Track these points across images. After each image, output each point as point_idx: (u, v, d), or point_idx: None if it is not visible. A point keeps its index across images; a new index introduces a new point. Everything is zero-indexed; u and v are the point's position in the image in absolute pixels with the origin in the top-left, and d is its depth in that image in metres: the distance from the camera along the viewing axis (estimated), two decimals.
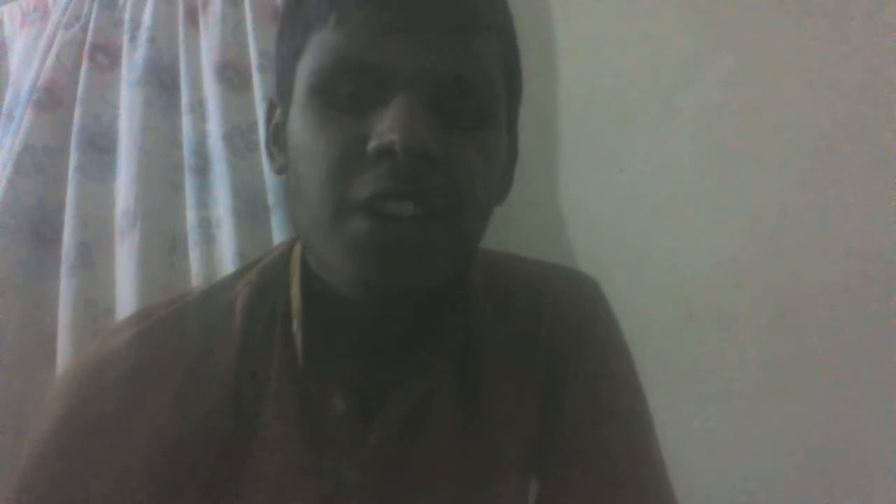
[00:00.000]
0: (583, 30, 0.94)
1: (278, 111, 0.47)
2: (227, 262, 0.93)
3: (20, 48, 1.10)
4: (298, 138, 0.42)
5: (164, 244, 0.98)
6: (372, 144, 0.38)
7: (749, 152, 0.80)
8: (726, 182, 0.82)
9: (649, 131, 0.88)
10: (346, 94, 0.40)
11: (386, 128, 0.37)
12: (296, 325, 0.46)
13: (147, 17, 1.01)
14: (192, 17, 1.01)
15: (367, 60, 0.39)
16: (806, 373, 0.77)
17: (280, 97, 0.46)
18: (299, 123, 0.42)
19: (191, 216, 0.97)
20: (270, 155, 0.50)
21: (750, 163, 0.80)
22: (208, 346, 0.47)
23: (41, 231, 1.00)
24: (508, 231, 0.99)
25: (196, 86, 0.99)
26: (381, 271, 0.39)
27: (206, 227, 0.96)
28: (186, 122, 0.99)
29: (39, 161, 1.01)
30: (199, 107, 0.99)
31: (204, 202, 0.97)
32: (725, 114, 0.82)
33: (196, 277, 0.95)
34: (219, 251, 0.96)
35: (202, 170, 0.98)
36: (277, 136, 0.47)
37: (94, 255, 0.99)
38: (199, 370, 0.46)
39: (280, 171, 0.47)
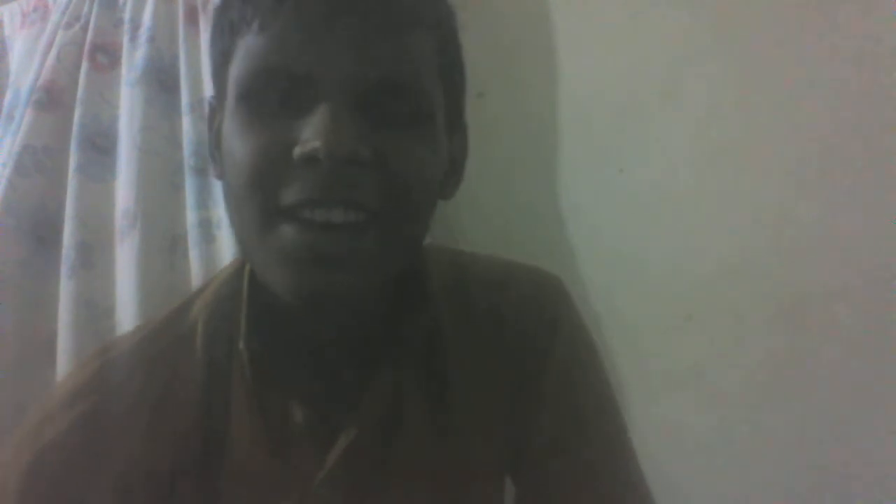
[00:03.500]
0: (582, 30, 0.94)
1: (217, 115, 0.46)
2: (226, 262, 0.93)
3: (20, 48, 1.10)
4: (228, 145, 0.41)
5: (164, 244, 0.98)
6: (296, 151, 0.37)
7: (749, 152, 0.80)
8: (726, 182, 0.82)
9: (649, 131, 0.88)
10: (272, 101, 0.39)
11: (310, 134, 0.37)
12: (242, 343, 0.45)
13: (147, 17, 1.01)
14: (192, 17, 1.01)
15: (290, 67, 0.38)
16: (806, 373, 0.77)
17: (217, 99, 0.45)
18: (229, 130, 0.41)
19: (191, 216, 0.97)
20: (213, 159, 0.48)
21: (750, 163, 0.80)
22: (173, 373, 0.47)
23: (41, 231, 1.00)
24: (508, 231, 0.99)
25: (196, 86, 0.99)
26: (311, 279, 0.38)
27: (206, 227, 0.96)
28: (186, 122, 0.98)
29: (39, 161, 1.01)
30: (199, 107, 0.99)
31: (204, 202, 0.97)
32: (726, 114, 0.82)
33: (196, 277, 0.95)
34: (219, 251, 0.96)
35: (202, 170, 0.98)
36: (218, 139, 0.46)
37: (94, 256, 0.99)
38: (167, 399, 0.46)
39: (220, 176, 0.46)
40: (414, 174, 0.41)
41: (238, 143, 0.39)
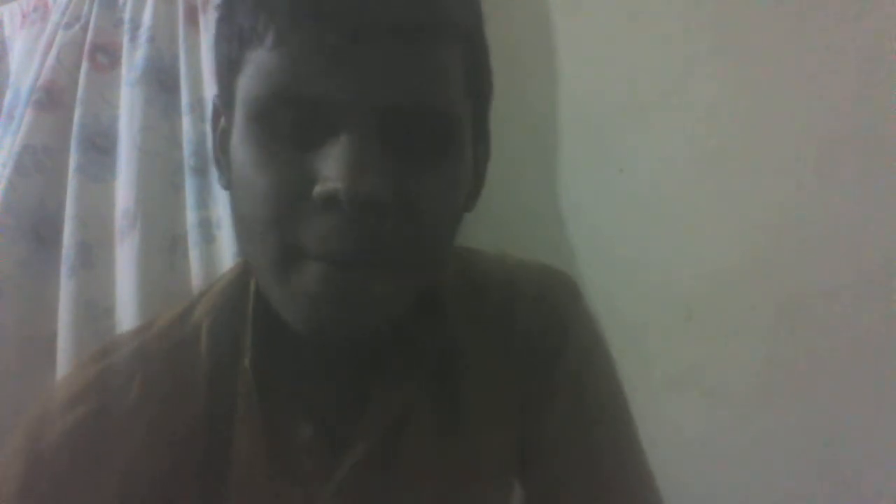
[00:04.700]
0: (582, 30, 0.94)
1: (223, 119, 0.43)
2: (227, 262, 0.93)
3: (20, 48, 1.11)
4: (240, 167, 0.38)
5: (164, 244, 0.98)
6: (316, 191, 0.35)
7: (749, 152, 0.80)
8: (726, 182, 0.82)
9: (649, 131, 0.88)
10: (289, 127, 0.36)
11: (331, 173, 0.34)
12: (247, 360, 0.44)
13: (147, 17, 1.02)
14: (192, 17, 1.01)
15: (309, 92, 0.35)
16: (806, 373, 0.77)
17: (223, 105, 0.42)
18: (240, 150, 0.38)
19: (191, 216, 0.97)
20: (218, 165, 0.45)
21: (750, 163, 0.80)
22: (176, 379, 0.46)
23: (41, 231, 1.00)
24: (508, 231, 0.99)
25: (196, 86, 0.99)
26: (330, 319, 0.37)
27: (206, 227, 0.96)
28: (186, 122, 0.99)
29: (39, 161, 1.01)
30: (198, 107, 0.99)
31: (204, 202, 0.97)
32: (726, 114, 0.82)
33: (196, 277, 0.95)
34: (219, 251, 0.96)
35: (202, 170, 0.98)
36: (224, 145, 0.43)
37: (94, 256, 0.99)
38: (170, 405, 0.45)
39: (226, 186, 0.43)
40: (440, 211, 0.39)
41: (251, 170, 0.37)
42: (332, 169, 0.34)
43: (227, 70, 0.40)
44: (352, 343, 0.43)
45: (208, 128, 0.97)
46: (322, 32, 0.34)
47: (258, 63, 0.36)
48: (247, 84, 0.37)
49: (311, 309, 0.37)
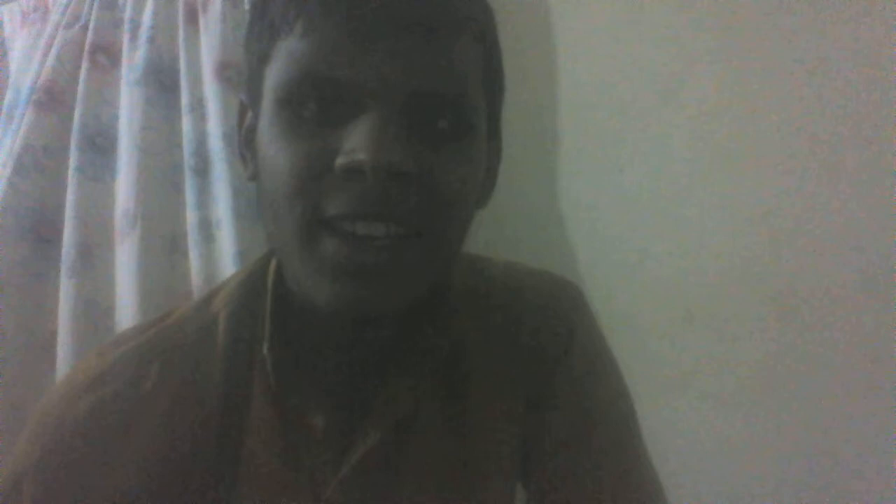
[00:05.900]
0: (582, 29, 0.94)
1: (249, 114, 0.46)
2: (227, 262, 0.93)
3: (20, 48, 1.11)
4: (266, 150, 0.40)
5: (164, 244, 0.98)
6: (339, 162, 0.37)
7: (749, 152, 0.80)
8: (726, 182, 0.82)
9: (649, 131, 0.88)
10: (315, 108, 0.38)
11: (354, 146, 0.36)
12: (266, 347, 0.45)
13: (147, 17, 1.02)
14: (192, 17, 1.01)
15: (336, 74, 0.37)
16: (806, 373, 0.77)
17: (250, 100, 0.45)
18: (267, 134, 0.40)
19: (191, 216, 0.97)
20: (244, 159, 0.48)
21: (750, 163, 0.80)
22: (194, 366, 0.46)
23: (41, 231, 1.00)
24: (508, 231, 0.99)
25: (196, 86, 0.99)
26: (354, 295, 0.38)
27: (206, 227, 0.97)
28: (186, 122, 0.99)
29: (39, 161, 1.01)
30: (199, 107, 0.99)
31: (204, 202, 0.97)
32: (726, 113, 0.82)
33: (196, 277, 0.95)
34: (219, 251, 0.96)
35: (202, 170, 0.98)
36: (250, 139, 0.45)
37: (94, 256, 0.99)
38: (184, 395, 0.45)
39: (252, 177, 0.45)
40: (456, 190, 0.40)
41: (278, 151, 0.39)
42: (355, 142, 0.36)
43: (257, 63, 0.42)
44: (371, 321, 0.44)
45: (209, 127, 0.98)
46: (350, 20, 0.37)
47: (288, 50, 0.39)
48: (276, 71, 0.40)
49: (334, 281, 0.38)
